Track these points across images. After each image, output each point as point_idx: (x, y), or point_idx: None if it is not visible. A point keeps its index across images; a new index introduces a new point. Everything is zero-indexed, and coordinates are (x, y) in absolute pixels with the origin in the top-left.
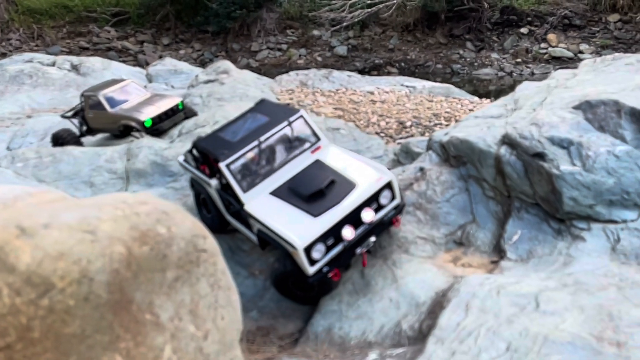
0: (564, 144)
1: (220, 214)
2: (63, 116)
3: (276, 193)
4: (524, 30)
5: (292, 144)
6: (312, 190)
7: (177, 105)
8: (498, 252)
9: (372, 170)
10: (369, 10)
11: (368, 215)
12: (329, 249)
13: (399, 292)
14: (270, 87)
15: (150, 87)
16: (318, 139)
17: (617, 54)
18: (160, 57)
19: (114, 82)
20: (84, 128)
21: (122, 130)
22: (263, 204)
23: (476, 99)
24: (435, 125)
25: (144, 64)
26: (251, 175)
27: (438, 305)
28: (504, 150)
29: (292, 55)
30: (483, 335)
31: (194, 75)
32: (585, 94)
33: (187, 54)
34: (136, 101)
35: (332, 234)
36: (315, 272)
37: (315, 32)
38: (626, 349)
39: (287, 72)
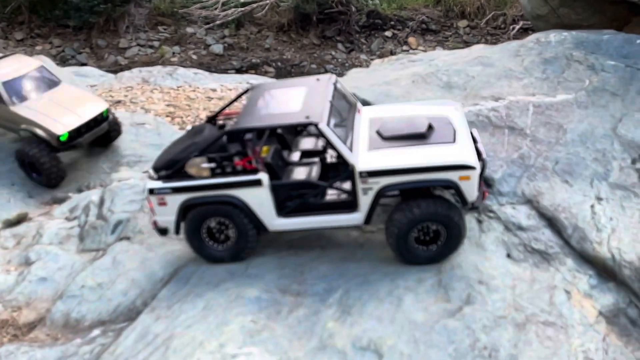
0: None
1: (253, 231)
2: None
3: (375, 147)
4: (388, 33)
5: (341, 103)
6: (425, 127)
7: (101, 114)
8: None
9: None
10: (243, 9)
11: None
12: None
13: (142, 272)
14: (111, 85)
15: None
16: (354, 100)
17: (401, 55)
18: (13, 54)
19: (17, 59)
20: None
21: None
22: (380, 157)
23: None
24: None
25: None
26: (342, 137)
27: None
28: None
29: (165, 52)
30: (190, 300)
31: None
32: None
33: (45, 50)
34: (47, 98)
35: None
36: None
37: (189, 30)
38: (301, 297)
39: None
